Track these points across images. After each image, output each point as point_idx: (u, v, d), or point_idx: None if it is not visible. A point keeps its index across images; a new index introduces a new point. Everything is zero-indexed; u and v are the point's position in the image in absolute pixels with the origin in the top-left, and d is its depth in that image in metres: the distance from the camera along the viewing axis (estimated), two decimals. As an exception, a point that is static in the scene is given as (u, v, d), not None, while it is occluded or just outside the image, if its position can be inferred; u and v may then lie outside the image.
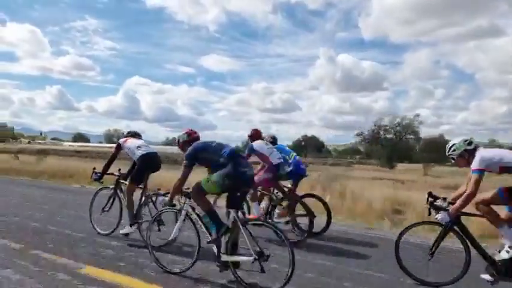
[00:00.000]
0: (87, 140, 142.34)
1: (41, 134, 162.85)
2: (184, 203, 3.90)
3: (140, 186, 5.28)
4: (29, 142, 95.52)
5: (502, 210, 3.77)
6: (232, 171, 3.60)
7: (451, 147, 3.92)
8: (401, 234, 4.11)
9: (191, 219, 3.86)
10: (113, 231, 5.36)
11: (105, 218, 5.53)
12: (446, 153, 4.00)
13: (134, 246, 4.93)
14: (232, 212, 3.61)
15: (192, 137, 4.32)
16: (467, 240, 3.77)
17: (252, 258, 3.42)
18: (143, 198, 5.26)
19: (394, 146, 61.51)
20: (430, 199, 3.99)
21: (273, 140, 6.28)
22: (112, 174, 5.56)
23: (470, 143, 3.85)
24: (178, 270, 3.87)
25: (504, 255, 3.54)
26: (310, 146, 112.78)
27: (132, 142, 5.45)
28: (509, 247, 3.53)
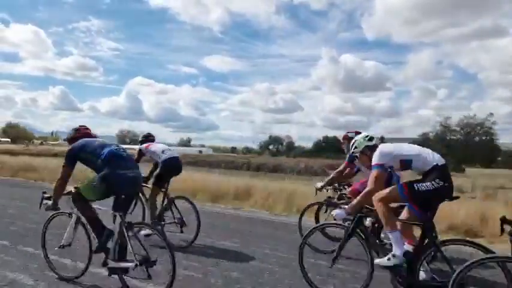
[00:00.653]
0: None
1: (52, 134, 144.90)
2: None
3: (162, 189, 5.33)
4: (41, 143, 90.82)
5: (405, 209, 3.48)
6: (108, 173, 3.31)
7: (353, 144, 3.75)
8: (304, 239, 3.71)
9: (82, 224, 3.60)
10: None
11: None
12: (350, 151, 3.86)
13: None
14: (118, 216, 3.36)
15: (80, 133, 3.86)
16: (369, 247, 3.39)
17: (133, 264, 3.21)
18: (165, 201, 5.32)
19: (464, 148, 55.73)
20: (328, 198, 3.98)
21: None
22: None
23: (371, 139, 3.68)
24: (72, 276, 3.64)
25: (383, 261, 3.20)
26: (332, 148, 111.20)
27: (156, 146, 5.56)
28: (393, 255, 3.16)
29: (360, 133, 5.10)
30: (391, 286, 3.25)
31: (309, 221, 5.73)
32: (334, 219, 3.49)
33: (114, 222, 3.40)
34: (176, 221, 5.23)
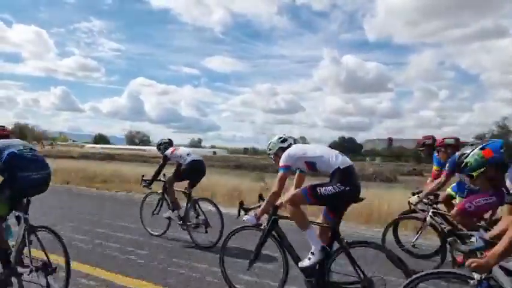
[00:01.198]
0: (108, 142, 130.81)
1: (60, 134, 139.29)
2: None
3: (186, 191, 5.59)
4: (51, 144, 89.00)
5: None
6: (9, 178, 3.10)
7: (268, 145, 3.78)
8: (225, 241, 3.70)
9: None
10: (164, 233, 5.80)
11: (156, 220, 5.90)
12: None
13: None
14: (22, 217, 3.19)
15: None
16: (284, 248, 3.38)
17: (28, 269, 3.07)
18: (190, 202, 5.56)
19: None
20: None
21: None
22: (159, 180, 5.90)
23: (284, 141, 3.69)
24: None
25: (305, 262, 3.17)
26: (349, 149, 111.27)
27: (182, 150, 5.87)
28: (311, 253, 3.15)
29: (434, 139, 5.16)
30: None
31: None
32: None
33: (18, 224, 3.26)
34: (201, 221, 5.45)
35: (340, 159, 3.18)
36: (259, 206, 3.41)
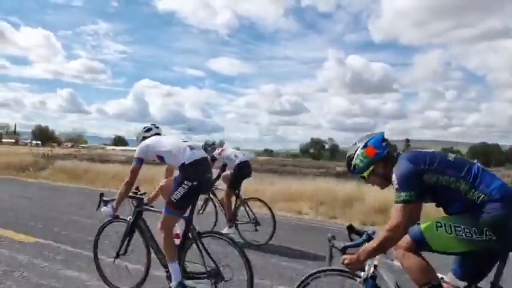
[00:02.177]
0: (126, 143, 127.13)
1: (78, 136, 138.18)
2: None
3: (236, 190, 5.69)
4: (72, 146, 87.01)
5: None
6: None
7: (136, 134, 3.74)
8: (96, 235, 3.57)
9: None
10: None
11: (199, 220, 5.76)
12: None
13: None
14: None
15: None
16: (147, 242, 3.32)
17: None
18: (238, 202, 5.71)
19: None
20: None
21: None
22: None
23: (148, 130, 3.63)
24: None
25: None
26: None
27: (229, 151, 5.92)
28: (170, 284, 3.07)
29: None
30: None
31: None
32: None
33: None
34: (251, 220, 5.60)
35: (187, 154, 3.10)
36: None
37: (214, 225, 5.78)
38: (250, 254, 3.37)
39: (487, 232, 1.88)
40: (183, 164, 3.07)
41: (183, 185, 3.02)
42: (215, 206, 5.91)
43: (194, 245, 3.15)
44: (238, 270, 3.04)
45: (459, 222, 1.94)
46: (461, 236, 1.92)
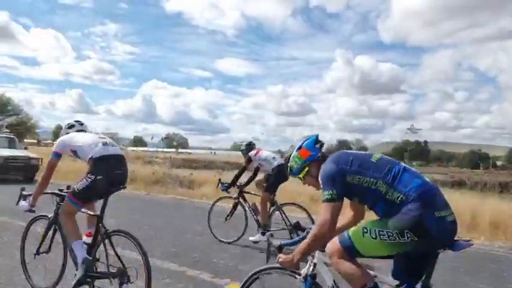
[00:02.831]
0: (145, 144, 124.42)
1: None
2: None
3: (272, 195, 5.41)
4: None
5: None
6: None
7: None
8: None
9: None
10: (237, 239, 5.46)
11: (226, 226, 5.66)
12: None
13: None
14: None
15: None
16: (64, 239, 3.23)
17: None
18: (273, 207, 5.42)
19: None
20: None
21: None
22: (235, 184, 5.69)
23: (70, 127, 3.55)
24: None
25: (74, 280, 2.98)
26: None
27: (265, 153, 5.65)
28: (76, 266, 3.02)
29: None
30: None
31: None
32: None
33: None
34: (287, 227, 5.26)
35: (97, 149, 3.09)
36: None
37: (244, 231, 5.47)
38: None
39: (408, 234, 1.87)
40: (90, 158, 3.07)
41: (86, 178, 3.02)
42: (245, 211, 5.62)
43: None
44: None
45: (383, 226, 1.95)
46: (386, 240, 1.93)
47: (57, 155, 3.27)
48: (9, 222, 6.10)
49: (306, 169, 2.29)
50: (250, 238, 5.37)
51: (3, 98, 45.63)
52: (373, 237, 1.96)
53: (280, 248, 2.19)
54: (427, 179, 2.02)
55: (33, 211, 3.34)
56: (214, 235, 5.66)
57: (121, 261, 2.95)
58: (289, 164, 2.38)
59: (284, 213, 5.41)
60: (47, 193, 3.36)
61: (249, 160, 5.63)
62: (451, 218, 1.94)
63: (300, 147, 2.33)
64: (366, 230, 1.99)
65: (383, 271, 2.23)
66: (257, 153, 5.64)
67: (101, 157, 3.08)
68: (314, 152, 2.28)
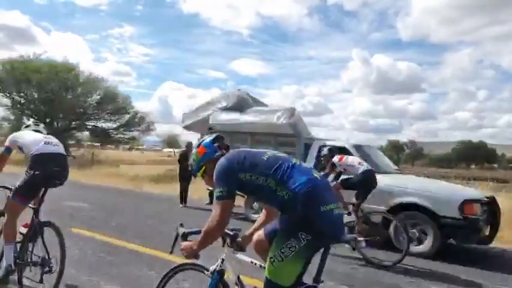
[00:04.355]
0: (179, 146, 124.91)
1: (133, 138, 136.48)
2: None
3: (358, 201, 5.19)
4: (130, 149, 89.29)
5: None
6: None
7: None
8: None
9: None
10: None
11: None
12: None
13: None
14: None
15: None
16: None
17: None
18: (359, 213, 5.18)
19: None
20: None
21: None
22: None
23: (27, 126, 3.77)
24: None
25: None
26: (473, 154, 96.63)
27: (352, 158, 5.50)
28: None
29: None
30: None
31: None
32: None
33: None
34: (374, 237, 5.06)
35: (39, 147, 3.26)
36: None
37: None
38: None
39: (302, 235, 1.86)
40: (31, 155, 3.24)
41: (26, 173, 3.21)
42: None
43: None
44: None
45: (280, 242, 1.93)
46: (290, 254, 1.89)
47: (8, 150, 3.47)
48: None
49: (203, 168, 2.25)
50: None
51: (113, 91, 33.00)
52: (280, 261, 1.91)
53: (185, 236, 2.20)
54: (316, 175, 2.00)
55: None
56: None
57: (47, 252, 3.15)
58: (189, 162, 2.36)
59: (370, 223, 5.25)
60: None
61: (333, 166, 5.46)
62: (338, 211, 1.95)
63: (198, 145, 2.28)
64: (272, 260, 1.95)
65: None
66: (341, 158, 5.43)
67: (41, 154, 3.24)
68: (210, 150, 2.23)
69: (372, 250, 5.05)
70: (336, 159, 5.44)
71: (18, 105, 31.28)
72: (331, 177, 5.63)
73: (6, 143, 3.50)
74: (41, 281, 3.13)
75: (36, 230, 3.24)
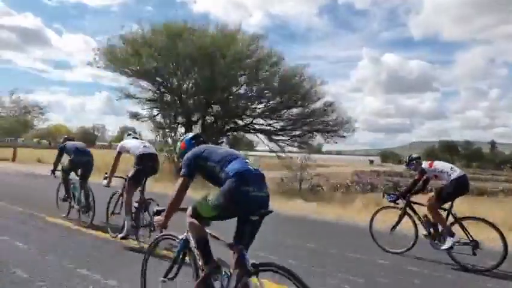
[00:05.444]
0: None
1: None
2: None
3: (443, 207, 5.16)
4: (108, 146, 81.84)
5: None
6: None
7: None
8: None
9: None
10: (406, 250, 5.32)
11: (392, 236, 5.59)
12: None
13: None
14: None
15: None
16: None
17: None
18: (451, 220, 5.11)
19: None
20: None
21: None
22: (405, 196, 5.52)
23: (129, 135, 5.83)
24: None
25: None
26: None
27: (440, 165, 5.45)
28: None
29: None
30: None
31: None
32: None
33: None
34: (470, 243, 4.94)
35: (140, 149, 5.25)
36: None
37: (414, 242, 5.32)
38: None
39: (224, 200, 2.55)
40: (136, 155, 5.19)
41: (133, 168, 5.16)
42: (415, 225, 5.43)
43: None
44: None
45: (213, 195, 2.65)
46: (211, 204, 2.62)
47: (118, 153, 5.51)
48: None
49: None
50: (443, 247, 5.00)
51: None
52: (204, 203, 2.68)
53: (158, 212, 2.93)
54: (250, 167, 2.67)
55: (108, 186, 5.61)
56: (380, 245, 5.65)
57: (151, 218, 4.85)
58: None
59: (465, 228, 5.02)
60: (116, 177, 5.59)
61: (423, 172, 5.47)
62: (258, 193, 2.59)
63: (181, 140, 3.19)
64: (204, 199, 2.70)
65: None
66: (431, 164, 5.48)
67: (141, 154, 5.17)
68: (188, 146, 3.08)
69: (464, 255, 4.96)
70: (425, 165, 5.47)
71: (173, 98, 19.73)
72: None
73: (117, 149, 5.51)
74: (149, 237, 4.86)
75: (143, 204, 5.11)
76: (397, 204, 5.65)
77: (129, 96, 20.16)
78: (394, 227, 5.64)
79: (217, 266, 2.72)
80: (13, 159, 26.28)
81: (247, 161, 2.76)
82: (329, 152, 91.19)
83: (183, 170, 2.83)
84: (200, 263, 2.73)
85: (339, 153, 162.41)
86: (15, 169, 18.73)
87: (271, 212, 2.64)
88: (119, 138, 33.39)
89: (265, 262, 2.57)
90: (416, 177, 5.53)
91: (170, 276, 2.93)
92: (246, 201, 2.56)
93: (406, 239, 5.58)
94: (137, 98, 20.31)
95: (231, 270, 2.59)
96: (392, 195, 5.71)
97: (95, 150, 25.30)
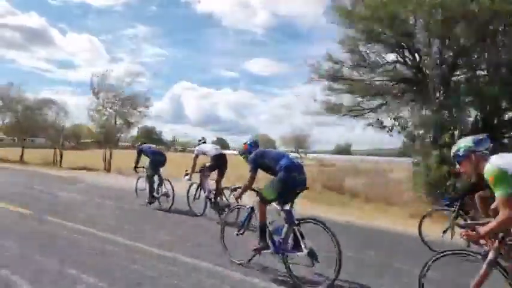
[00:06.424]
0: (228, 147, 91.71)
1: (174, 139, 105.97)
2: None
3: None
4: (183, 150, 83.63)
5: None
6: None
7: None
8: None
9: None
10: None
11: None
12: None
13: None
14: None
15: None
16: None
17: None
18: None
19: None
20: None
21: None
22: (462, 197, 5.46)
23: (200, 140, 7.89)
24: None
25: None
26: None
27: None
28: None
29: None
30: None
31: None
32: None
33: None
34: None
35: (213, 151, 7.35)
36: None
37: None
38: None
39: (280, 183, 4.09)
40: (211, 156, 7.22)
41: (210, 162, 7.23)
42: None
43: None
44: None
45: (272, 181, 4.19)
46: (273, 187, 4.13)
47: (196, 155, 7.44)
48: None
49: (243, 157, 4.71)
50: None
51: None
52: (268, 188, 4.18)
53: (234, 189, 4.85)
54: (294, 161, 4.19)
55: (190, 180, 7.47)
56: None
57: (227, 199, 7.09)
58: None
59: None
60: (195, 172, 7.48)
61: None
62: (300, 177, 4.12)
63: (245, 143, 4.73)
64: (266, 185, 4.23)
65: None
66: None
67: (215, 155, 7.21)
68: (250, 148, 4.66)
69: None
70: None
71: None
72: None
73: (196, 152, 7.46)
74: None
75: (220, 191, 7.17)
76: (454, 206, 5.51)
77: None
78: (444, 230, 5.60)
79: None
80: (107, 169, 20.01)
81: (291, 156, 4.27)
82: None
83: (250, 166, 4.36)
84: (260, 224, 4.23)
85: None
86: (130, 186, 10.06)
87: (307, 188, 4.13)
88: (138, 138, 33.68)
89: (306, 217, 4.09)
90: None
91: (241, 232, 4.58)
92: (293, 182, 4.09)
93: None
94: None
95: (284, 224, 4.04)
96: (449, 199, 5.69)
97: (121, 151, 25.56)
